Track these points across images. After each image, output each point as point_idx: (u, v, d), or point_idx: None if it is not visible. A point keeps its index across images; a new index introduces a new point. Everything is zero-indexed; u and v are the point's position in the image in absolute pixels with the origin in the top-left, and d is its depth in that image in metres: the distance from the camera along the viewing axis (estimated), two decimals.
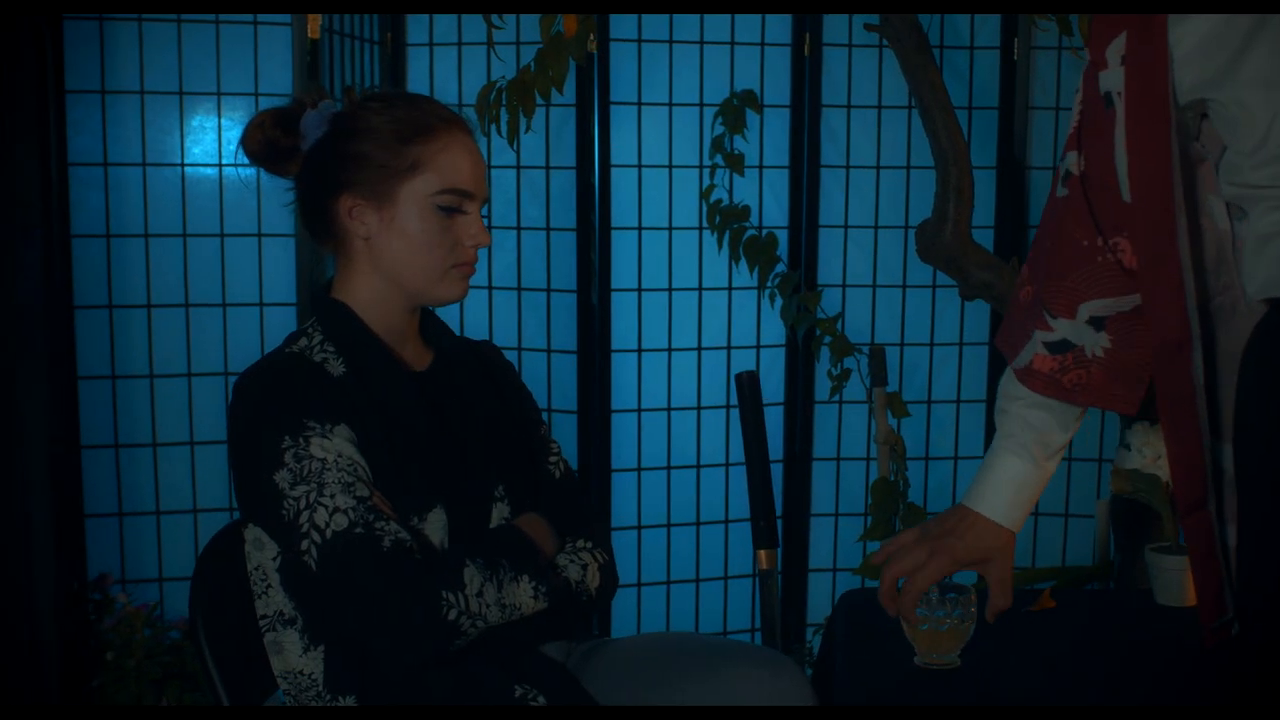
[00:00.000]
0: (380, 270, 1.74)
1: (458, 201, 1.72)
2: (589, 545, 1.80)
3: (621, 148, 3.23)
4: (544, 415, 1.99)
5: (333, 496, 1.59)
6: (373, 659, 1.65)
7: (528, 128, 2.90)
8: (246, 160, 1.79)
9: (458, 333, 1.90)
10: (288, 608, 1.70)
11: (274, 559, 1.69)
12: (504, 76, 2.94)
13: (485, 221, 1.79)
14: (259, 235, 3.04)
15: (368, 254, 1.74)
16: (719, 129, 3.23)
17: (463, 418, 1.78)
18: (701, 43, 3.24)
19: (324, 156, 1.74)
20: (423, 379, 1.78)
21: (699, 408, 3.36)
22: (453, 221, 1.72)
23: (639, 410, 3.31)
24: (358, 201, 1.72)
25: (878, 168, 3.33)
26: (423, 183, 1.71)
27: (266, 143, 1.76)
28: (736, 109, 3.21)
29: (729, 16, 3.24)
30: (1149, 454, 2.07)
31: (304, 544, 1.59)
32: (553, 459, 1.88)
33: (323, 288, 1.80)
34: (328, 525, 1.58)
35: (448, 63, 3.23)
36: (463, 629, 1.59)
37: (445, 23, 3.22)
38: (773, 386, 3.33)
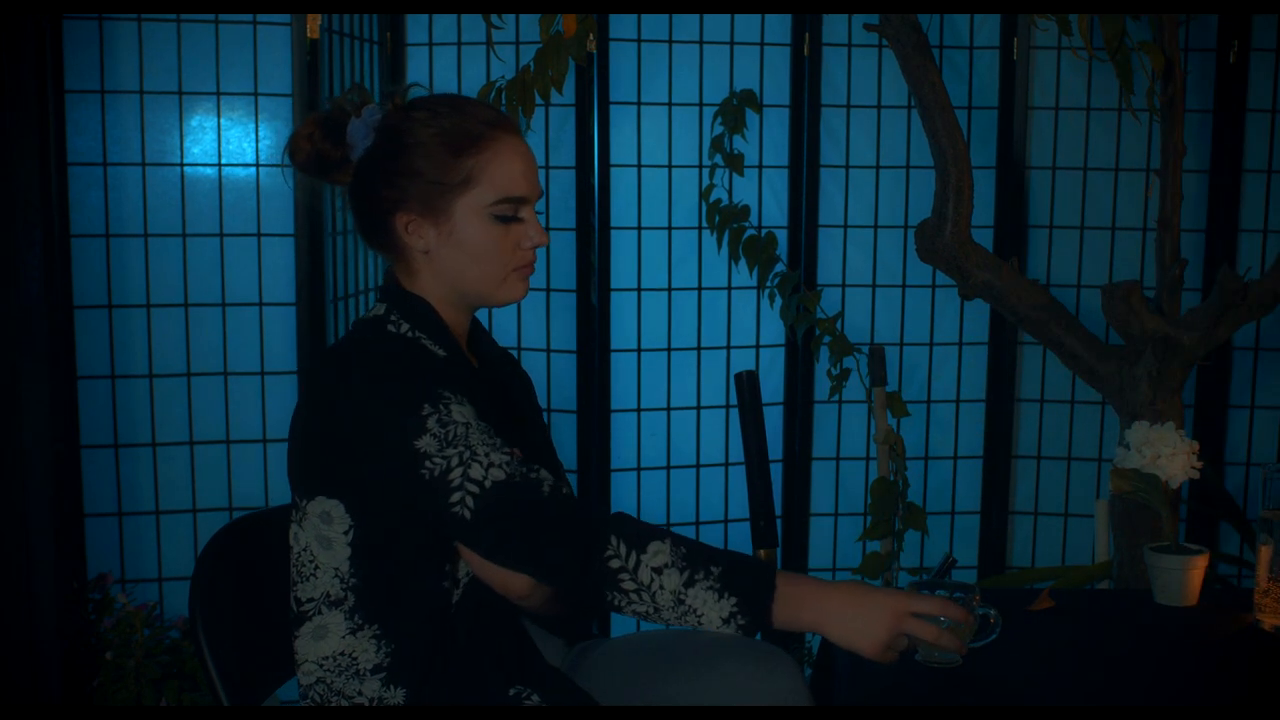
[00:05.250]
0: (441, 278, 1.75)
1: (513, 209, 1.73)
2: None
3: (621, 147, 3.23)
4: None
5: (487, 454, 1.60)
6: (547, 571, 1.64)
7: (527, 127, 2.90)
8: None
9: None
10: (335, 588, 1.70)
11: (345, 532, 1.69)
12: (503, 76, 2.94)
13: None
14: (258, 235, 3.04)
15: (428, 264, 1.75)
16: (718, 129, 3.24)
17: (516, 419, 1.81)
18: (701, 42, 3.24)
19: (375, 173, 1.74)
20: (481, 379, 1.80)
21: (698, 407, 3.36)
22: (510, 227, 1.74)
23: (638, 410, 3.31)
24: (414, 217, 1.73)
25: (877, 167, 3.34)
26: (478, 195, 1.71)
27: (316, 155, 1.76)
28: (736, 109, 3.21)
29: (728, 16, 3.24)
30: (1148, 453, 2.07)
31: (455, 497, 1.59)
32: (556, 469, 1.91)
33: (390, 281, 1.80)
34: (486, 477, 1.59)
35: (447, 62, 3.24)
36: (623, 586, 1.57)
37: (445, 22, 3.23)
38: (772, 386, 3.34)
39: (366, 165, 1.74)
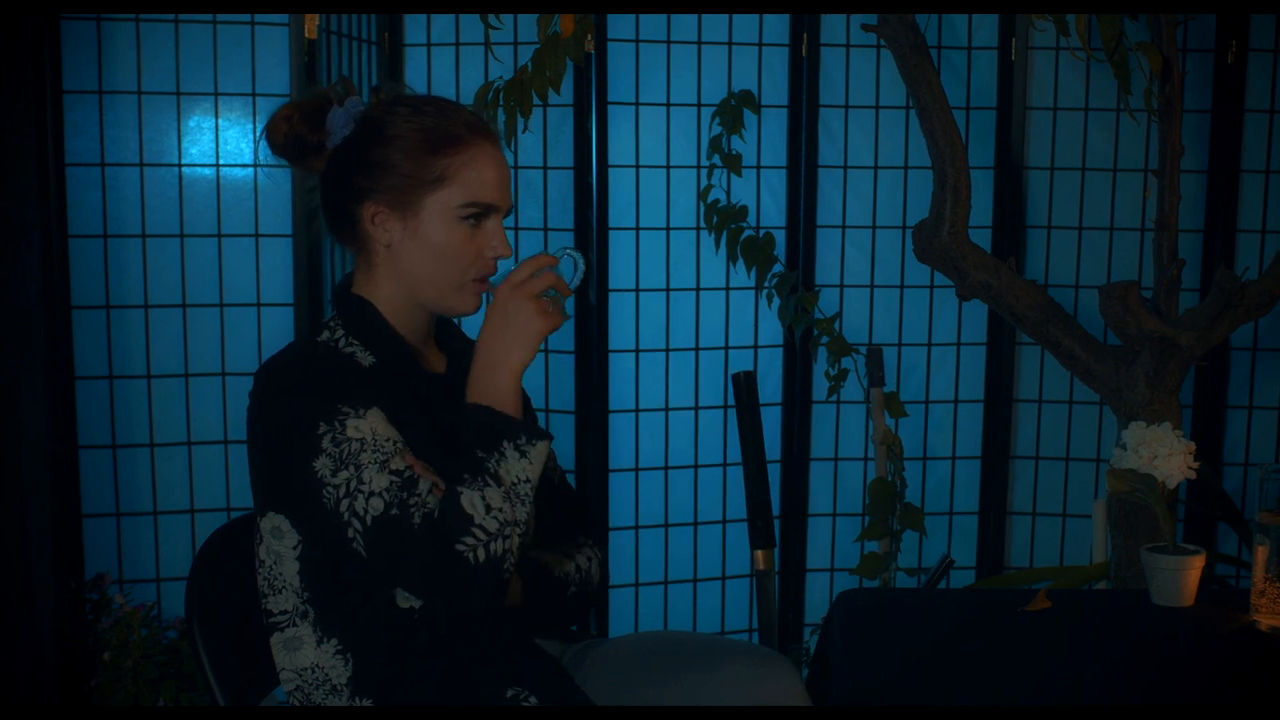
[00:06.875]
0: (400, 278, 1.74)
1: (481, 214, 1.73)
2: (589, 541, 1.85)
3: (619, 148, 3.23)
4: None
5: (370, 480, 1.60)
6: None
7: (525, 128, 2.90)
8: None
9: None
10: (298, 603, 1.70)
11: (294, 547, 1.69)
12: (501, 77, 2.94)
13: None
14: (256, 235, 3.04)
15: (389, 260, 1.74)
16: (716, 129, 3.24)
17: None
18: (699, 43, 3.24)
19: (350, 159, 1.73)
20: (442, 381, 1.79)
21: (696, 408, 3.36)
22: (476, 233, 1.73)
23: (636, 410, 3.31)
24: (381, 209, 1.72)
25: (875, 168, 3.34)
26: (448, 195, 1.71)
27: (293, 137, 1.76)
28: (734, 109, 3.21)
29: (726, 16, 3.24)
30: (1145, 454, 2.07)
31: (350, 532, 1.60)
32: (550, 464, 1.89)
33: (343, 284, 1.80)
34: (366, 512, 1.59)
35: (445, 63, 3.24)
36: (496, 553, 1.58)
37: (443, 23, 3.23)
38: (770, 387, 3.34)
39: (342, 152, 1.74)
